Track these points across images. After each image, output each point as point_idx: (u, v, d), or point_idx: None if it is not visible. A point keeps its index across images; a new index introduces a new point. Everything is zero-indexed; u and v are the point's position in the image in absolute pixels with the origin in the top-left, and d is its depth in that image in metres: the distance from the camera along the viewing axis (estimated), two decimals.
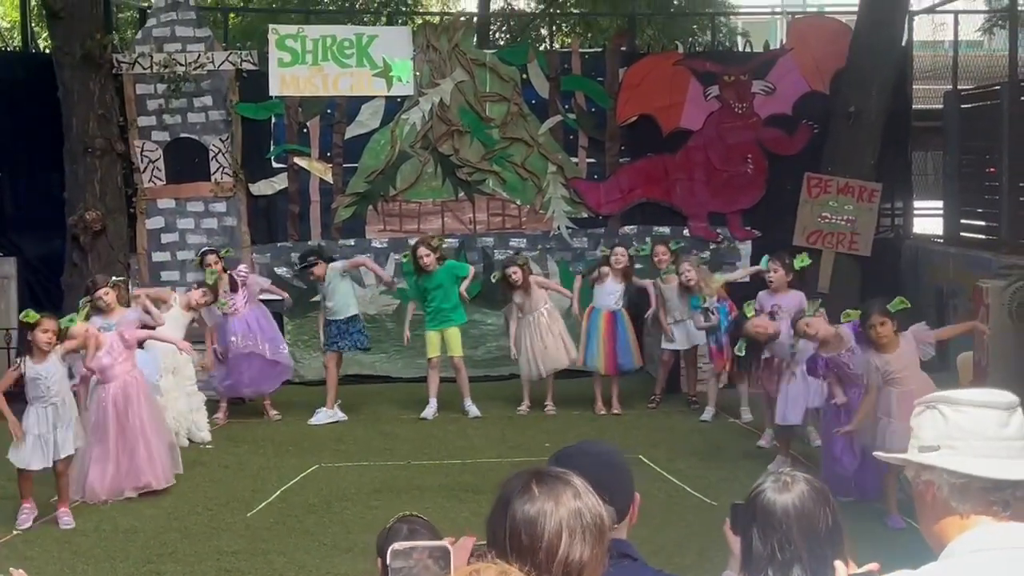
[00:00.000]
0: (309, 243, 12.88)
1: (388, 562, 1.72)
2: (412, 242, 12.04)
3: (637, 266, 11.86)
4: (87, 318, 9.06)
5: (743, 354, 9.45)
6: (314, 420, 11.18)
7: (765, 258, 10.67)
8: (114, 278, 10.10)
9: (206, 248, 11.87)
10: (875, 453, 2.85)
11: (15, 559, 6.87)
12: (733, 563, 3.42)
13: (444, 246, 11.81)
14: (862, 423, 7.93)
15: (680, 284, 11.10)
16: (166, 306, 10.33)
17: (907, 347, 7.83)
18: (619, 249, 11.67)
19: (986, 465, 2.28)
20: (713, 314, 10.84)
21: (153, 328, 9.70)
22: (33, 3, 14.59)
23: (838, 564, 2.58)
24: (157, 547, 7.73)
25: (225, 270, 11.14)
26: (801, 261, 10.42)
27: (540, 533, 2.30)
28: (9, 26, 18.66)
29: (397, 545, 1.78)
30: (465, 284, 11.38)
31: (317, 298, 11.76)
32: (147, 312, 9.86)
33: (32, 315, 8.35)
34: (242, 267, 11.63)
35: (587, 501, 2.36)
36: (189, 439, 10.21)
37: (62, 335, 8.21)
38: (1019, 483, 2.28)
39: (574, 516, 2.32)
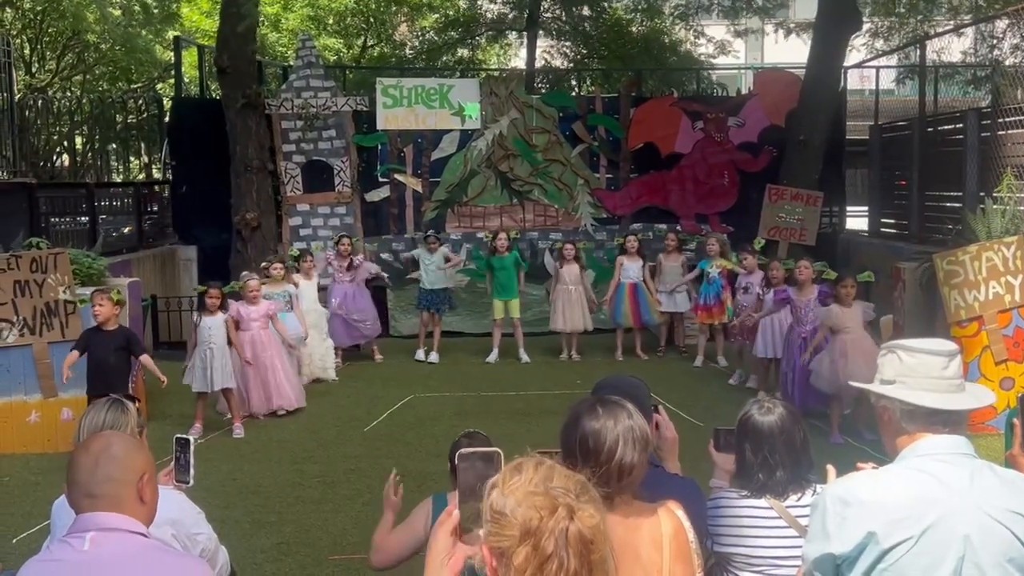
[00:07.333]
0: (405, 236, 12.86)
1: (456, 463, 1.74)
2: (484, 235, 12.00)
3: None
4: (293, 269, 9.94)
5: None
6: (432, 358, 11.18)
7: (703, 262, 10.77)
8: (289, 261, 10.16)
9: (343, 233, 11.84)
10: (850, 383, 2.77)
11: (201, 461, 6.93)
12: (718, 472, 3.37)
13: (516, 237, 11.69)
14: (813, 352, 8.11)
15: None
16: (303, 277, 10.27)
17: (858, 309, 7.93)
18: (631, 237, 11.54)
19: (929, 398, 2.22)
20: (710, 282, 10.69)
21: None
22: (207, 64, 14.64)
23: (829, 467, 2.52)
24: (300, 452, 7.82)
25: (349, 254, 11.11)
26: (759, 243, 10.72)
27: (602, 442, 2.30)
28: (190, 80, 18.75)
29: (463, 450, 1.77)
30: (521, 278, 11.31)
31: (412, 275, 11.74)
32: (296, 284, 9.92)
33: (201, 288, 8.56)
34: (359, 256, 11.53)
35: (637, 421, 2.34)
36: (318, 377, 10.21)
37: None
38: (952, 411, 2.22)
39: (628, 431, 2.31)
